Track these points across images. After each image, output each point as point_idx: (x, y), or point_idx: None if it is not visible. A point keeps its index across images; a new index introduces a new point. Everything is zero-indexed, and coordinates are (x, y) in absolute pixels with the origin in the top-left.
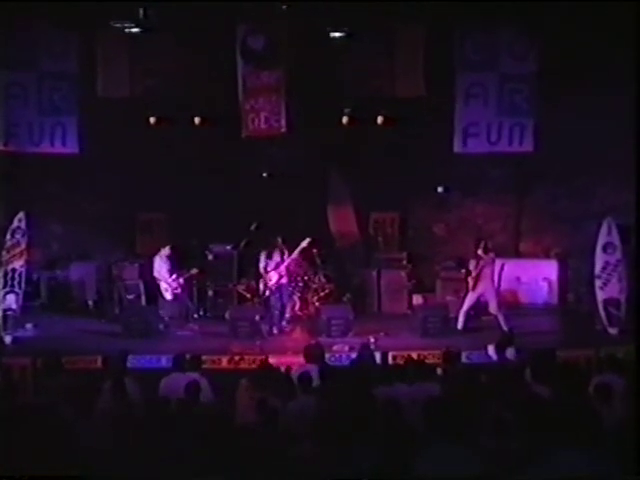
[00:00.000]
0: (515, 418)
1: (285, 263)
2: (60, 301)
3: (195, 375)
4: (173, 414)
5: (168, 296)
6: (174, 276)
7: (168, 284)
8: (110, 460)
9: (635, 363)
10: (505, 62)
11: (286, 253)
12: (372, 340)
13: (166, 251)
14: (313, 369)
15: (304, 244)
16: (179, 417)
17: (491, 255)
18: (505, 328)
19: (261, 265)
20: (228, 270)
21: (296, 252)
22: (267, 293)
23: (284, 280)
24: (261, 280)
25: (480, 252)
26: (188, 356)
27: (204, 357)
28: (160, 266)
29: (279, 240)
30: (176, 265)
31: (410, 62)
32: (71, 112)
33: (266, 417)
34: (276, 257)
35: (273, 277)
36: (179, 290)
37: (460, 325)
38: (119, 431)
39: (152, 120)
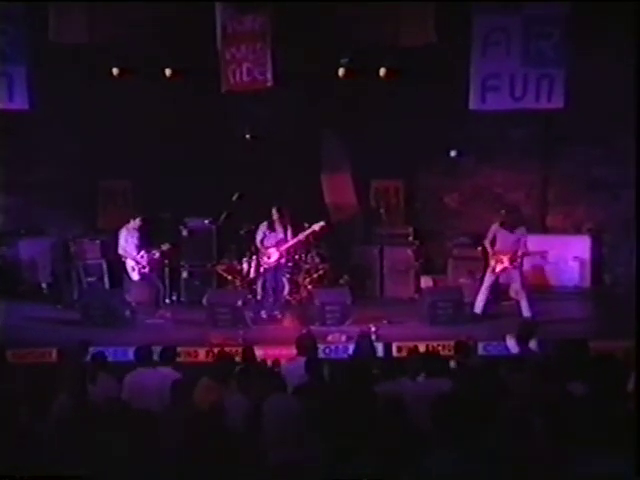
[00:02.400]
0: (539, 420)
1: (289, 244)
2: (8, 284)
3: (168, 371)
4: (143, 415)
5: (135, 276)
6: (142, 252)
7: (136, 262)
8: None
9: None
10: (530, 2)
11: (289, 229)
12: (373, 329)
13: (136, 223)
14: (304, 362)
15: (316, 227)
16: (153, 419)
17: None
18: (527, 315)
19: (258, 238)
20: (206, 248)
21: (304, 234)
22: (261, 271)
23: (283, 261)
24: (252, 258)
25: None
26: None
27: (178, 349)
28: (127, 240)
29: (276, 213)
30: (146, 240)
31: (419, 4)
32: (19, 61)
33: (250, 418)
34: (279, 231)
35: (273, 255)
36: (147, 269)
37: (479, 309)
38: (80, 434)
39: (115, 71)
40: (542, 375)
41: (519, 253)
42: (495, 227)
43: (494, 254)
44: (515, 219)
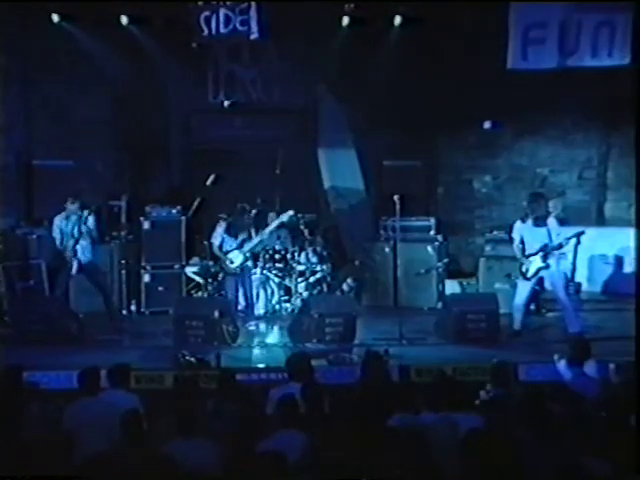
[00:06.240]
0: (598, 464)
1: (253, 242)
2: None
3: (124, 399)
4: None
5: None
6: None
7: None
8: None
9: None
10: None
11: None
12: (385, 348)
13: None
14: (299, 390)
15: (284, 218)
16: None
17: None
18: (574, 330)
19: (216, 242)
20: (173, 244)
21: (271, 228)
22: (227, 280)
23: (250, 263)
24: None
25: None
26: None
27: (138, 373)
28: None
29: (247, 206)
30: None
31: None
32: None
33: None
34: (241, 233)
35: (236, 259)
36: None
37: (517, 325)
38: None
39: (56, 18)
40: (601, 408)
41: (551, 246)
42: (518, 225)
43: (525, 257)
44: (543, 209)
